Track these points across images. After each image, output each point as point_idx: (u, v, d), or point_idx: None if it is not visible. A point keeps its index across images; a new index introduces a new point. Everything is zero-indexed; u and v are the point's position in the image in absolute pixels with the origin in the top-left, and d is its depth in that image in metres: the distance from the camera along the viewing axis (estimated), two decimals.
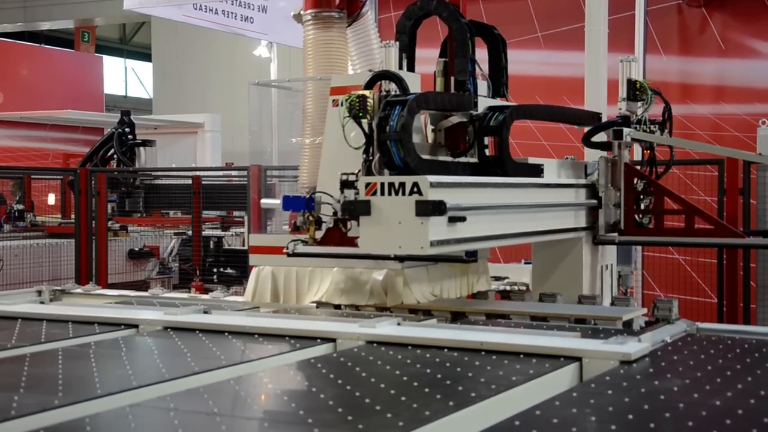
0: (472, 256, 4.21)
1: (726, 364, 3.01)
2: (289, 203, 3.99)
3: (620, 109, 4.56)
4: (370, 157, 3.62)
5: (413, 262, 4.13)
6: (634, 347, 3.03)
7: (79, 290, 5.08)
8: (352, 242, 3.77)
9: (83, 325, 3.74)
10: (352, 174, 3.71)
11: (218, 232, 11.67)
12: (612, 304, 4.33)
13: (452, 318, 3.99)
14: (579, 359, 2.96)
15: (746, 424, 2.24)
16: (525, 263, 6.82)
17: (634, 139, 4.51)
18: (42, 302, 4.64)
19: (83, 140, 15.42)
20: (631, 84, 4.54)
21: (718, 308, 6.39)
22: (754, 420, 2.27)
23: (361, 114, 3.63)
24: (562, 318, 3.87)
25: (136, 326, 3.71)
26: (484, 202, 3.67)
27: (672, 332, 3.52)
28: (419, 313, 4.05)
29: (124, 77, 30.71)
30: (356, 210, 3.45)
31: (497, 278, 6.06)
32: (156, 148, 12.64)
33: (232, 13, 12.64)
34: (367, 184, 3.41)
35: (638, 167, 4.54)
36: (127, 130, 11.50)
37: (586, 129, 4.72)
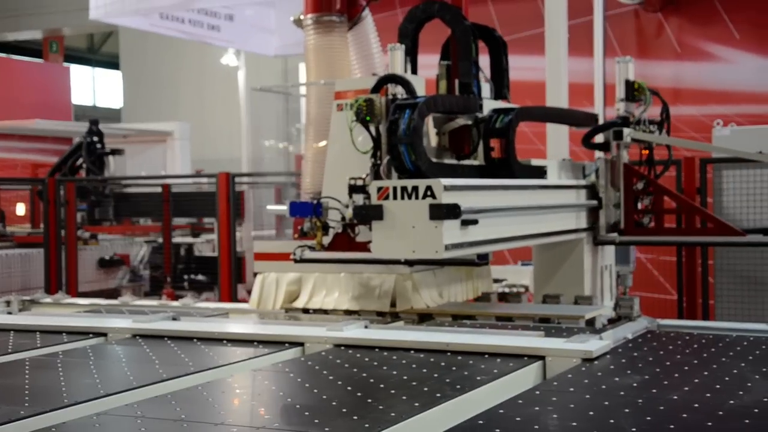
0: (483, 259, 4.16)
1: (684, 359, 3.05)
2: (297, 209, 3.88)
3: (618, 109, 4.52)
4: (378, 161, 3.57)
5: (421, 266, 4.03)
6: (595, 345, 3.06)
7: (48, 300, 5.01)
8: (360, 247, 3.69)
9: (51, 334, 3.69)
10: (360, 178, 3.63)
11: (189, 239, 11.60)
12: (575, 302, 4.35)
13: (419, 320, 3.99)
14: (542, 358, 2.99)
15: (702, 417, 2.26)
16: (522, 265, 6.79)
17: (633, 140, 4.47)
18: (10, 312, 4.57)
19: (52, 150, 15.24)
20: (629, 85, 4.50)
21: (678, 305, 6.46)
22: (709, 413, 2.30)
23: (368, 118, 3.57)
24: (527, 318, 3.89)
25: (104, 335, 3.68)
26: (495, 205, 3.61)
27: (633, 329, 3.56)
28: (429, 317, 3.96)
29: (92, 87, 30.42)
30: (368, 215, 3.36)
31: (496, 280, 6.03)
32: (125, 157, 12.55)
33: (198, 21, 12.57)
34: (379, 189, 3.32)
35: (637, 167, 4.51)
36: (95, 139, 11.40)
37: (586, 130, 4.67)
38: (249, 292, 11.12)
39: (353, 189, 3.64)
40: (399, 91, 3.66)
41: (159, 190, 10.52)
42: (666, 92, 8.25)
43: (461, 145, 4.02)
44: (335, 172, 3.99)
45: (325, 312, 4.13)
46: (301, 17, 4.55)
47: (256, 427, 2.26)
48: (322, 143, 4.31)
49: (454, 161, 3.98)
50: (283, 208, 4.39)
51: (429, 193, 3.22)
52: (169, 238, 10.41)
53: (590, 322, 3.86)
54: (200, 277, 10.79)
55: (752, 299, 6.00)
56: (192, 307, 4.63)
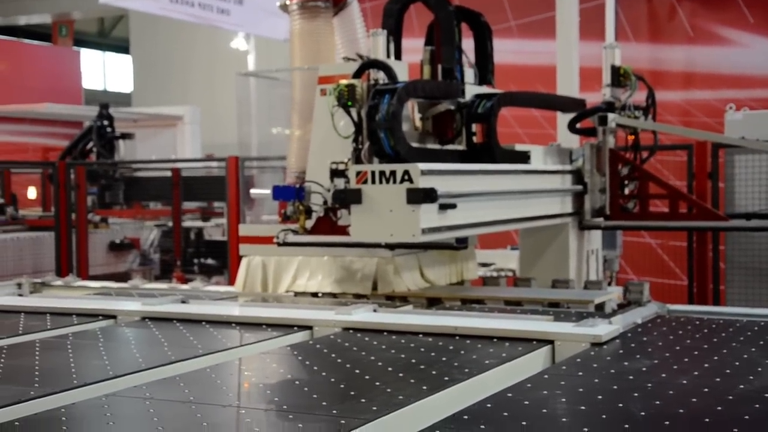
0: (462, 243, 4.19)
1: (694, 344, 3.04)
2: (279, 193, 3.93)
3: (604, 95, 4.53)
4: (360, 146, 3.59)
5: (404, 250, 4.08)
6: (604, 329, 3.05)
7: (59, 282, 5.03)
8: (342, 231, 3.72)
9: (61, 316, 3.71)
10: (342, 163, 3.67)
11: (198, 223, 11.63)
12: (585, 288, 4.35)
13: (428, 304, 3.99)
14: (551, 342, 2.98)
15: (712, 402, 2.25)
16: (511, 249, 6.79)
17: (618, 125, 4.49)
18: (21, 295, 4.59)
19: (62, 134, 15.27)
20: (615, 70, 4.51)
21: (688, 290, 6.44)
22: (719, 398, 2.29)
23: (350, 103, 3.58)
24: (536, 302, 3.88)
25: (114, 317, 3.69)
26: (474, 189, 3.65)
27: (643, 314, 3.54)
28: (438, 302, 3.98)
29: (103, 71, 30.45)
30: (347, 198, 3.41)
31: (484, 264, 6.05)
32: (135, 141, 12.58)
33: (208, 5, 12.54)
34: (358, 173, 3.37)
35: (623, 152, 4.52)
36: (106, 123, 11.43)
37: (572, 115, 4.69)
38: None
39: (334, 173, 3.67)
40: (381, 76, 3.67)
41: (169, 174, 10.54)
42: (678, 76, 8.23)
43: (444, 130, 4.03)
44: (319, 157, 4.02)
45: (311, 295, 4.17)
46: (287, 2, 4.56)
47: (263, 409, 2.27)
48: (306, 129, 4.34)
49: (437, 146, 3.99)
50: (266, 192, 4.43)
51: (406, 177, 3.27)
52: (179, 222, 10.44)
53: (600, 307, 3.86)
54: (210, 261, 10.83)
55: (763, 285, 5.97)
56: (201, 290, 4.64)
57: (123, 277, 9.62)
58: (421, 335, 3.17)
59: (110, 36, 30.74)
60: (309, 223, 3.89)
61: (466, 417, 2.16)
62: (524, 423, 2.11)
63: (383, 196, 3.32)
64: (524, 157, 4.17)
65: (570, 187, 4.45)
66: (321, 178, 3.82)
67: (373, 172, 3.34)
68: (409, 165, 3.30)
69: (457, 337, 3.12)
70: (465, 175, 3.66)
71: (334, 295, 4.14)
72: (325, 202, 3.80)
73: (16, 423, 2.14)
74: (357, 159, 3.59)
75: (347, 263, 4.11)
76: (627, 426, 2.07)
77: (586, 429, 2.06)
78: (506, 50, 8.32)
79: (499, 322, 3.26)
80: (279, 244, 3.97)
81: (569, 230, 4.43)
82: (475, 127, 4.02)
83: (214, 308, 3.75)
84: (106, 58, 30.76)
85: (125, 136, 11.65)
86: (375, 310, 3.59)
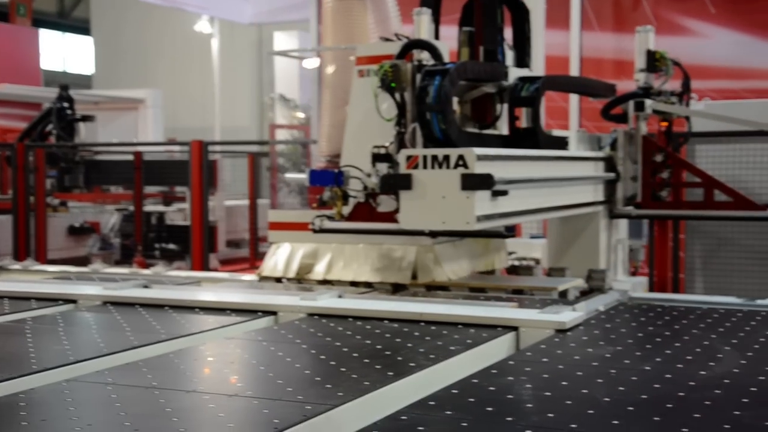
0: (510, 232, 4.04)
1: (656, 331, 3.07)
2: (317, 177, 3.70)
3: (637, 80, 4.36)
4: (403, 129, 3.45)
5: (442, 238, 3.92)
6: (568, 316, 3.07)
7: (17, 266, 4.95)
8: (382, 217, 3.56)
9: (20, 300, 3.65)
10: (383, 147, 3.50)
11: (160, 208, 11.50)
12: (548, 275, 4.36)
13: (393, 290, 3.98)
14: (516, 328, 2.99)
15: (674, 388, 2.28)
16: (532, 237, 6.66)
17: (655, 111, 4.33)
18: None
19: (20, 115, 14.98)
20: (651, 55, 4.33)
21: (649, 278, 6.50)
22: (681, 384, 2.32)
23: (393, 84, 3.42)
24: (500, 289, 3.89)
25: (74, 301, 3.64)
26: (524, 176, 3.50)
27: (605, 301, 3.57)
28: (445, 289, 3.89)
29: (62, 52, 29.93)
30: (397, 184, 3.23)
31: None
32: (96, 124, 12.38)
33: None
34: (409, 157, 3.19)
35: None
36: (66, 105, 11.23)
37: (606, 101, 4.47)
38: (221, 262, 11.10)
39: (377, 157, 3.49)
40: (424, 57, 3.52)
41: (131, 157, 10.40)
42: None
43: (483, 114, 3.86)
44: (356, 140, 3.84)
45: (349, 284, 4.00)
46: None
47: (228, 395, 2.24)
48: (342, 109, 4.16)
49: (476, 130, 3.83)
50: (303, 176, 4.24)
51: (461, 162, 3.10)
52: (140, 206, 10.31)
53: (563, 294, 3.88)
54: (171, 245, 10.72)
55: (722, 274, 6.06)
56: (163, 275, 4.59)
57: (82, 261, 9.49)
58: (386, 321, 3.17)
59: (70, 16, 30.21)
60: (345, 210, 3.70)
61: (432, 403, 2.16)
62: (490, 409, 2.11)
63: (436, 182, 3.14)
64: (564, 143, 4.02)
65: (604, 174, 4.30)
66: (359, 163, 3.62)
67: (425, 157, 3.16)
68: (464, 150, 3.13)
69: (423, 323, 3.12)
70: (515, 161, 3.49)
71: (369, 284, 3.97)
72: (365, 188, 3.61)
73: None
74: (400, 143, 3.44)
75: (385, 251, 3.95)
76: (592, 412, 2.09)
77: (551, 415, 2.07)
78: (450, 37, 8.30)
79: (464, 308, 3.27)
80: (315, 231, 3.76)
81: (600, 219, 4.28)
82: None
83: (177, 293, 3.71)
84: (66, 39, 30.23)
85: (86, 118, 11.45)
86: (340, 296, 3.58)
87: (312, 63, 9.86)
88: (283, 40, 18.71)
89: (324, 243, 4.08)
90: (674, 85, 4.53)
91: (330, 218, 3.72)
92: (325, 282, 4.06)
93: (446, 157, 3.13)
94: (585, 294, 3.89)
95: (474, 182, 3.10)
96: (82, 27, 28.10)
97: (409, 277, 3.90)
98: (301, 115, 17.26)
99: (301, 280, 4.14)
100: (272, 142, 13.15)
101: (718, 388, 2.28)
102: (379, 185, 3.43)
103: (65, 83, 12.22)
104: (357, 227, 3.72)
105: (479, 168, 3.11)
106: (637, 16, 8.49)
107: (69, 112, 11.24)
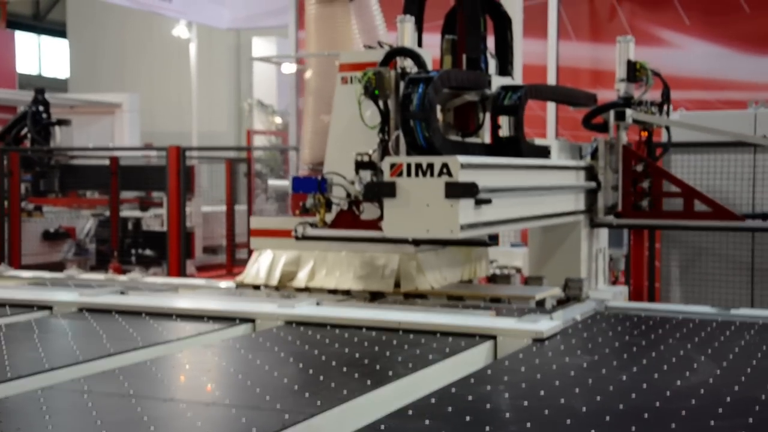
0: (493, 240, 4.03)
1: (632, 340, 3.09)
2: (300, 185, 3.67)
3: (618, 90, 4.38)
4: (386, 137, 3.44)
5: (425, 246, 3.90)
6: (546, 325, 3.08)
7: None
8: (365, 225, 3.56)
9: None
10: (366, 154, 3.48)
11: (137, 213, 11.42)
12: (525, 283, 4.37)
13: (371, 298, 3.98)
14: (494, 337, 3.00)
15: (650, 398, 2.29)
16: (512, 246, 6.64)
17: (635, 121, 4.33)
18: None
19: None
20: (632, 65, 4.35)
21: (627, 287, 6.54)
22: (657, 393, 2.34)
23: (377, 92, 3.41)
24: (478, 298, 3.90)
25: (50, 308, 3.60)
26: (507, 184, 3.51)
27: (582, 310, 3.59)
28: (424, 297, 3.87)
29: (38, 55, 29.67)
30: (380, 192, 3.22)
31: None
32: (72, 128, 12.28)
33: None
34: (393, 165, 3.18)
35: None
36: (41, 108, 11.13)
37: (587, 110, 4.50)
38: (198, 268, 11.02)
39: (360, 165, 3.48)
40: (408, 64, 3.52)
41: (107, 162, 10.32)
42: None
43: (466, 122, 3.86)
44: (339, 147, 3.82)
45: (329, 292, 3.98)
46: None
47: (206, 403, 2.23)
48: (326, 117, 4.14)
49: (459, 139, 3.82)
50: (285, 183, 4.20)
51: (445, 170, 3.10)
52: (116, 211, 10.23)
53: (540, 303, 3.89)
54: (148, 251, 10.64)
55: (696, 283, 6.11)
56: (140, 281, 4.56)
57: (57, 266, 9.38)
58: (364, 329, 3.17)
59: (46, 19, 29.96)
60: (328, 217, 3.68)
61: (410, 412, 2.16)
62: (468, 418, 2.12)
63: (420, 190, 3.13)
64: (546, 152, 4.02)
65: (585, 183, 4.32)
66: (342, 170, 3.62)
67: (408, 165, 3.15)
68: (448, 158, 3.13)
69: (401, 332, 3.12)
70: (499, 170, 3.50)
71: (374, 294, 3.93)
72: (348, 195, 3.60)
73: None
74: (384, 150, 3.43)
75: (368, 259, 3.93)
76: (569, 421, 2.10)
77: (528, 424, 2.07)
78: (432, 45, 8.34)
79: (442, 317, 3.27)
80: (297, 238, 3.73)
81: (581, 228, 4.29)
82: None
83: (154, 300, 3.69)
84: (42, 41, 29.98)
85: (61, 122, 11.35)
86: (318, 304, 3.57)
87: (290, 68, 9.84)
88: (261, 46, 18.67)
89: (306, 250, 4.06)
90: (654, 95, 4.55)
91: (313, 225, 3.70)
92: (306, 290, 4.04)
93: (430, 165, 3.13)
94: (562, 303, 3.91)
95: (458, 191, 3.10)
96: (58, 30, 27.89)
97: (392, 285, 3.89)
98: (278, 120, 17.22)
99: (283, 287, 4.11)
100: (250, 148, 13.10)
101: (694, 397, 2.30)
102: (363, 193, 3.42)
103: (41, 86, 12.12)
104: (340, 234, 3.70)
105: (463, 176, 3.11)
106: (614, 27, 8.57)
107: (44, 115, 11.15)
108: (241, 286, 4.17)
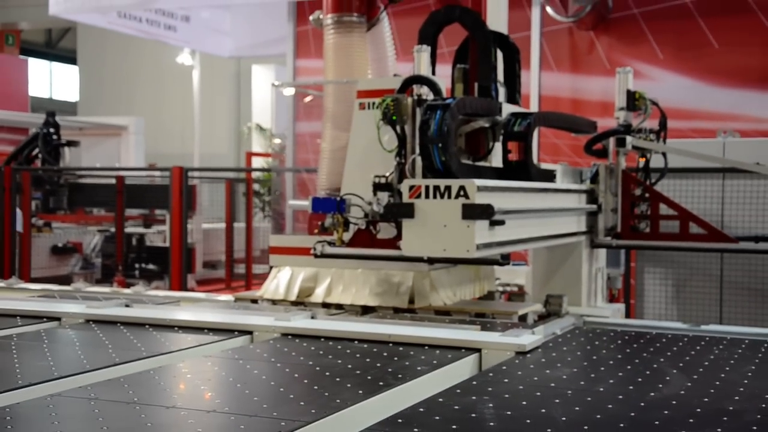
0: (505, 259, 4.10)
1: (609, 354, 3.10)
2: (319, 205, 3.67)
3: (617, 118, 4.41)
4: (403, 161, 3.45)
5: (438, 264, 3.91)
6: (528, 339, 3.09)
7: (1, 284, 4.88)
8: (381, 244, 3.55)
9: (5, 317, 3.59)
10: (383, 176, 3.49)
11: (140, 230, 11.40)
12: (509, 300, 4.38)
13: (362, 312, 3.97)
14: (478, 350, 3.00)
15: (626, 408, 2.30)
16: (514, 265, 6.62)
17: (634, 147, 4.37)
18: None
19: (8, 140, 14.80)
20: (631, 95, 4.40)
21: (625, 305, 6.54)
22: (632, 404, 2.34)
23: (395, 117, 3.42)
24: (464, 312, 3.91)
25: (58, 319, 3.59)
26: (519, 206, 3.52)
27: (562, 325, 3.60)
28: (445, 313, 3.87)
29: (49, 80, 29.67)
30: (399, 212, 3.21)
31: None
32: (80, 149, 12.28)
33: (155, 21, 12.35)
34: (411, 187, 3.18)
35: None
36: (52, 130, 11.14)
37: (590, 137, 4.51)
38: (198, 282, 10.99)
39: (378, 186, 3.50)
40: (424, 91, 3.53)
41: (113, 181, 10.32)
42: (596, 105, 8.42)
43: (477, 147, 3.88)
44: (356, 170, 3.84)
45: (340, 307, 3.99)
46: (320, 17, 4.42)
47: (206, 410, 2.23)
48: (342, 142, 4.12)
49: (470, 162, 3.84)
50: (305, 203, 4.17)
51: (462, 193, 3.11)
52: (121, 227, 10.22)
53: (522, 318, 3.90)
54: (151, 266, 10.62)
55: (672, 299, 6.14)
56: (144, 294, 4.54)
57: (64, 280, 9.36)
58: (356, 342, 3.16)
59: (57, 46, 30.01)
60: (346, 236, 3.66)
61: (400, 420, 2.16)
62: (454, 427, 2.12)
63: (437, 211, 3.13)
64: (552, 176, 4.06)
65: (586, 206, 4.33)
66: (359, 191, 3.62)
67: (427, 187, 3.16)
68: (465, 181, 3.13)
69: (391, 344, 3.12)
70: (511, 192, 3.51)
71: (366, 309, 3.94)
72: (366, 215, 3.59)
73: None
74: (401, 173, 3.44)
75: (383, 276, 3.93)
76: (549, 430, 2.10)
77: None
78: (440, 74, 8.37)
79: (429, 330, 3.27)
80: (317, 256, 3.70)
81: (582, 248, 4.31)
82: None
83: (157, 312, 3.68)
84: (53, 67, 30.00)
85: (71, 143, 11.36)
86: (313, 317, 3.57)
87: (288, 91, 9.85)
88: (260, 73, 18.74)
89: (325, 268, 4.05)
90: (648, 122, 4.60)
91: (331, 244, 3.69)
92: (324, 305, 4.03)
93: (448, 188, 3.13)
94: (543, 318, 3.92)
95: (475, 212, 3.10)
96: (68, 57, 27.94)
97: (406, 302, 3.90)
98: (276, 141, 17.24)
99: (301, 303, 4.09)
100: (249, 170, 13.10)
101: (666, 408, 2.30)
102: (382, 213, 3.42)
103: (52, 110, 12.13)
104: (357, 253, 3.68)
105: (479, 198, 3.12)
106: (592, 59, 8.65)
107: (55, 137, 11.16)
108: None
